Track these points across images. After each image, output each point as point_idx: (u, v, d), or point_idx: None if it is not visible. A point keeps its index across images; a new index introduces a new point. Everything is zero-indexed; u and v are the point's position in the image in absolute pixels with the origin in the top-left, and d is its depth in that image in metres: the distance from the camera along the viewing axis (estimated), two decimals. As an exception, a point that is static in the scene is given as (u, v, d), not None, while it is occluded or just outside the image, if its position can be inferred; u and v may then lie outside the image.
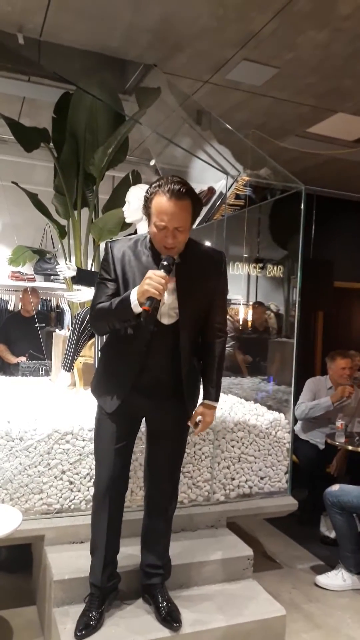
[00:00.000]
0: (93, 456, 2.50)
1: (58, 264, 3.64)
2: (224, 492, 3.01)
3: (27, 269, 5.25)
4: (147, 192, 2.03)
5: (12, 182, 4.16)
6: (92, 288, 3.46)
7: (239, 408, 3.34)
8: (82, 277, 3.49)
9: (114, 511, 2.23)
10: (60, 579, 2.34)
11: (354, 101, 4.09)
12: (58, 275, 4.60)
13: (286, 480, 3.20)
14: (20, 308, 5.18)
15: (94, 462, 2.31)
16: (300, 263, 3.29)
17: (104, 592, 2.24)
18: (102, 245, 4.00)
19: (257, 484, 3.10)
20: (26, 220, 4.92)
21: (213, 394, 2.24)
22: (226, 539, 2.82)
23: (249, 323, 6.12)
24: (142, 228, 3.13)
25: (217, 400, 2.25)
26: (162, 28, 3.24)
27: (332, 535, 3.52)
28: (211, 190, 3.68)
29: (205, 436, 2.97)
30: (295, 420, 4.08)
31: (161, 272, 1.94)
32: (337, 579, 3.12)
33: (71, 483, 2.67)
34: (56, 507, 2.64)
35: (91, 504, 2.30)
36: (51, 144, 3.97)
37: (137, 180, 4.19)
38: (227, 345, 2.35)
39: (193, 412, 2.24)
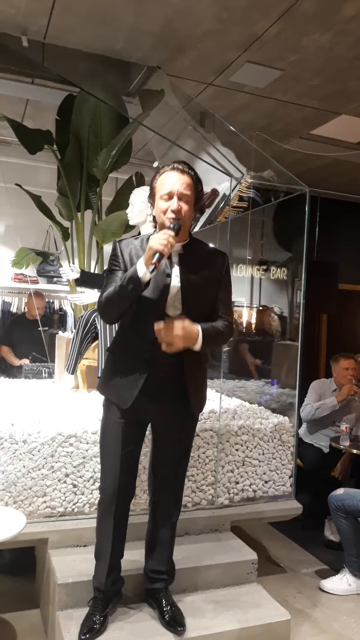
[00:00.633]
0: (97, 459, 2.49)
1: (61, 266, 3.64)
2: (228, 495, 2.99)
3: (31, 271, 5.25)
4: (151, 181, 2.12)
5: (16, 184, 4.17)
6: (96, 290, 3.46)
7: (243, 411, 3.33)
8: (85, 280, 3.49)
9: (119, 518, 2.22)
10: (64, 582, 2.33)
11: (358, 103, 4.08)
12: (61, 277, 4.60)
13: (290, 484, 3.18)
14: (25, 310, 5.18)
15: (98, 466, 2.30)
16: (305, 265, 3.28)
17: (108, 595, 2.23)
18: (106, 247, 4.03)
19: (261, 487, 3.08)
20: (29, 222, 4.92)
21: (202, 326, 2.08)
22: (230, 543, 2.80)
23: (253, 326, 6.11)
24: (146, 230, 3.12)
25: (201, 334, 2.06)
26: (165, 30, 3.25)
27: (337, 539, 3.50)
28: (215, 192, 3.67)
29: (210, 440, 2.96)
30: (299, 424, 4.07)
31: (165, 230, 1.98)
32: (342, 583, 3.10)
33: (75, 486, 2.66)
34: (60, 510, 2.63)
35: (95, 507, 2.29)
36: (55, 146, 3.97)
37: (140, 182, 4.19)
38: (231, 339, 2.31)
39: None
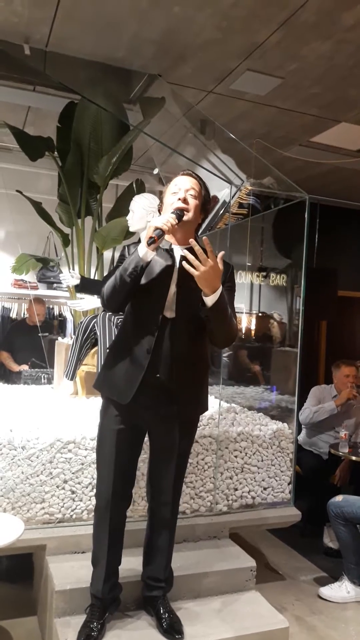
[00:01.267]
0: (95, 465, 2.49)
1: (61, 272, 3.64)
2: (226, 502, 2.99)
3: (31, 277, 5.25)
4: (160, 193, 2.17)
5: (17, 191, 4.18)
6: (96, 296, 3.47)
7: (242, 418, 3.33)
8: (85, 286, 3.50)
9: (115, 525, 2.21)
10: (62, 589, 2.32)
11: (357, 111, 4.10)
12: (61, 283, 4.61)
13: (289, 490, 3.18)
14: (25, 316, 5.18)
15: (96, 473, 2.30)
16: (304, 272, 3.28)
17: (105, 603, 2.22)
18: (106, 254, 4.04)
19: (260, 494, 3.08)
20: (30, 228, 4.93)
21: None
22: (229, 550, 2.80)
23: (252, 332, 6.11)
24: (146, 237, 3.13)
25: (220, 289, 2.01)
26: (166, 39, 3.27)
27: (336, 546, 3.50)
28: (215, 199, 3.69)
29: (208, 446, 2.96)
30: (299, 430, 4.07)
31: (169, 213, 2.06)
32: (340, 590, 3.09)
33: (73, 492, 2.66)
34: (58, 517, 2.63)
35: (93, 514, 2.28)
36: (55, 152, 3.99)
37: (140, 189, 4.21)
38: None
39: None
